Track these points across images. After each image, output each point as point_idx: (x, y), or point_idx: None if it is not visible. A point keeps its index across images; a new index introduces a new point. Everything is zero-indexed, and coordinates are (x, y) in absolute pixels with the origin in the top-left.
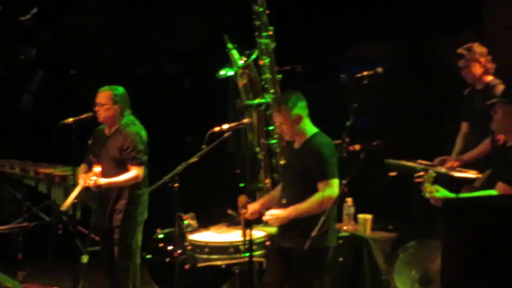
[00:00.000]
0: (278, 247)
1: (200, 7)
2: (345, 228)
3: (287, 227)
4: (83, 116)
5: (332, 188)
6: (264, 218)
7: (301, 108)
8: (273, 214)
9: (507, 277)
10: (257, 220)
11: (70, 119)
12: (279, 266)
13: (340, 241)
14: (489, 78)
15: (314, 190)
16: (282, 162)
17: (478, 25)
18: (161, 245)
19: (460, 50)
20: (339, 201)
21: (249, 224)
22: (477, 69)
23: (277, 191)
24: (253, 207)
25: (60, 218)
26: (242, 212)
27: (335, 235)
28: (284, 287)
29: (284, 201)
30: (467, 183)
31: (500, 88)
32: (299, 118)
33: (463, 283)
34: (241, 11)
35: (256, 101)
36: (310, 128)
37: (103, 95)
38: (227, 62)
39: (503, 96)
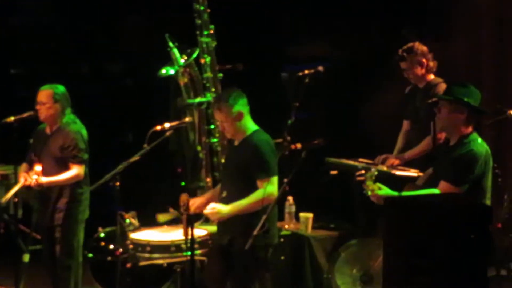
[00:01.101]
0: (219, 244)
1: (142, 6)
2: (286, 226)
3: (227, 224)
4: (24, 115)
5: (273, 185)
6: (205, 211)
7: (241, 105)
8: (214, 208)
9: (445, 274)
10: (198, 218)
11: (11, 118)
12: (219, 263)
13: (282, 240)
14: (431, 77)
15: (253, 187)
16: (223, 159)
17: (421, 22)
18: (102, 243)
19: (401, 52)
20: (281, 199)
21: (190, 222)
22: (420, 70)
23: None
24: (198, 201)
25: (2, 217)
26: (184, 210)
27: (276, 233)
28: (225, 283)
29: (224, 194)
30: (409, 182)
31: (443, 86)
32: (240, 115)
33: (404, 280)
34: (182, 10)
35: (198, 99)
36: (250, 126)
37: (44, 94)
38: (169, 60)
39: (446, 94)
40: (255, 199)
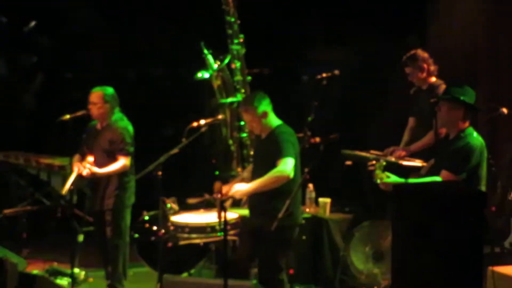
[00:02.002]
0: (250, 226)
1: (180, 18)
2: (307, 210)
3: (257, 208)
4: (78, 114)
5: (286, 164)
6: (230, 192)
7: (265, 105)
8: (236, 188)
9: (445, 251)
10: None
11: (67, 116)
12: (249, 243)
13: (303, 222)
14: (433, 79)
15: None
16: (252, 152)
17: (422, 30)
18: (147, 225)
19: (405, 59)
20: (303, 186)
21: (223, 206)
22: (422, 74)
23: (246, 172)
24: (229, 188)
25: (59, 202)
26: (217, 196)
27: (300, 214)
28: (253, 261)
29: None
30: (414, 171)
31: (443, 87)
32: (265, 114)
33: (410, 257)
34: (215, 21)
35: (229, 99)
36: (274, 121)
37: (96, 95)
38: (203, 65)
39: (445, 94)
40: (269, 176)
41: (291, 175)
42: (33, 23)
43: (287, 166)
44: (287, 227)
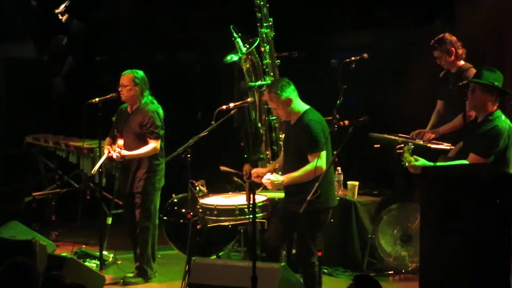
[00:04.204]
0: (284, 209)
1: (210, 1)
2: (336, 193)
3: (292, 193)
4: (107, 96)
5: (321, 159)
6: (263, 180)
7: (289, 92)
8: (269, 178)
9: (474, 233)
10: (258, 186)
11: (96, 99)
12: (280, 225)
13: (336, 204)
14: (461, 62)
15: (306, 161)
16: (282, 135)
17: (450, 14)
18: (176, 208)
19: (433, 43)
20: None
21: (252, 189)
22: (450, 57)
23: (279, 159)
24: (261, 171)
25: (88, 185)
26: (246, 178)
27: (333, 197)
28: (284, 242)
29: (285, 167)
30: (442, 154)
31: (472, 71)
32: (289, 101)
33: (438, 239)
34: (245, 5)
35: (258, 83)
36: (301, 107)
37: (126, 78)
38: (233, 49)
39: (478, 78)
40: (306, 172)
41: (325, 168)
42: (65, 4)
43: (322, 161)
44: (319, 210)
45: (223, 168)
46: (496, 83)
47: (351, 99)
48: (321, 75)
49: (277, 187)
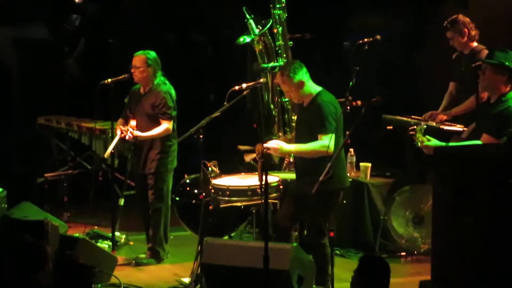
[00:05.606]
0: (295, 189)
1: None
2: (348, 174)
3: (302, 173)
4: (120, 77)
5: (330, 140)
6: (268, 144)
7: (301, 75)
8: (276, 143)
9: (485, 213)
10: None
11: (109, 80)
12: (291, 206)
13: (348, 185)
14: (474, 44)
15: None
16: (294, 117)
17: None
18: (188, 189)
19: (446, 23)
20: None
21: (265, 170)
22: (462, 38)
23: (293, 134)
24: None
25: (100, 166)
26: (259, 158)
27: (345, 178)
28: (293, 223)
29: None
30: (455, 135)
31: (485, 52)
32: (302, 84)
33: (451, 220)
34: None
35: (271, 64)
36: (313, 89)
37: (138, 59)
38: (246, 30)
39: (490, 58)
40: (312, 147)
41: (332, 150)
42: None
43: (331, 142)
44: (331, 191)
45: (241, 147)
46: (507, 63)
47: (364, 81)
48: (334, 56)
49: (282, 154)
